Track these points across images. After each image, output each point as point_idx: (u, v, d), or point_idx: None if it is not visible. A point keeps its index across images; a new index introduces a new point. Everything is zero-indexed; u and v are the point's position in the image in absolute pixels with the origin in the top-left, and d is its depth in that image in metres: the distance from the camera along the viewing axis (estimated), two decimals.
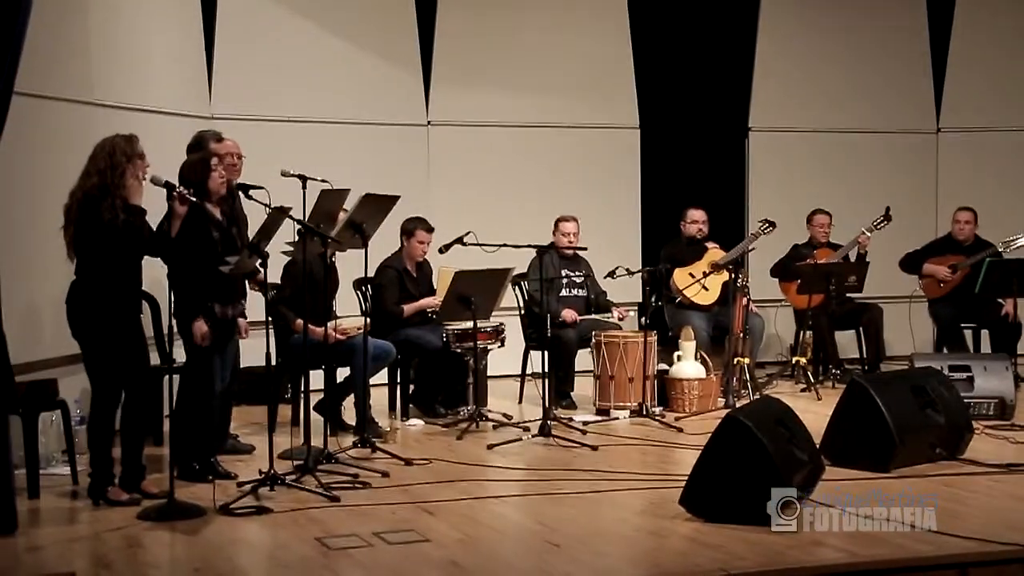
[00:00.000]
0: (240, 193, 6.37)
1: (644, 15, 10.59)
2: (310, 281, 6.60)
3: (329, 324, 7.19)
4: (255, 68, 9.32)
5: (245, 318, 6.43)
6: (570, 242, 8.75)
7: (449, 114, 10.09)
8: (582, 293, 8.85)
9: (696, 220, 9.28)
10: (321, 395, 7.53)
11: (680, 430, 7.55)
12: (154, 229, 5.74)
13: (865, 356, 9.52)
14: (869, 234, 9.31)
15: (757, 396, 8.25)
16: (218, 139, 6.97)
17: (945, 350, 9.33)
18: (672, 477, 5.95)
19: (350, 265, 7.52)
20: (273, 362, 7.22)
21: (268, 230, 6.13)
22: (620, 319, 8.74)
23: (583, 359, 8.70)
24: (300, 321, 6.85)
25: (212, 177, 6.09)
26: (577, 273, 8.82)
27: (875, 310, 9.50)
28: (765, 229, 9.03)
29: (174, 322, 5.86)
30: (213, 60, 9.17)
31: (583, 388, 8.72)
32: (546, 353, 7.77)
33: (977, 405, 7.55)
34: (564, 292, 8.76)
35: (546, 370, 7.61)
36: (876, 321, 9.46)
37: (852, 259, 9.41)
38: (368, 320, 7.42)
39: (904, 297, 9.93)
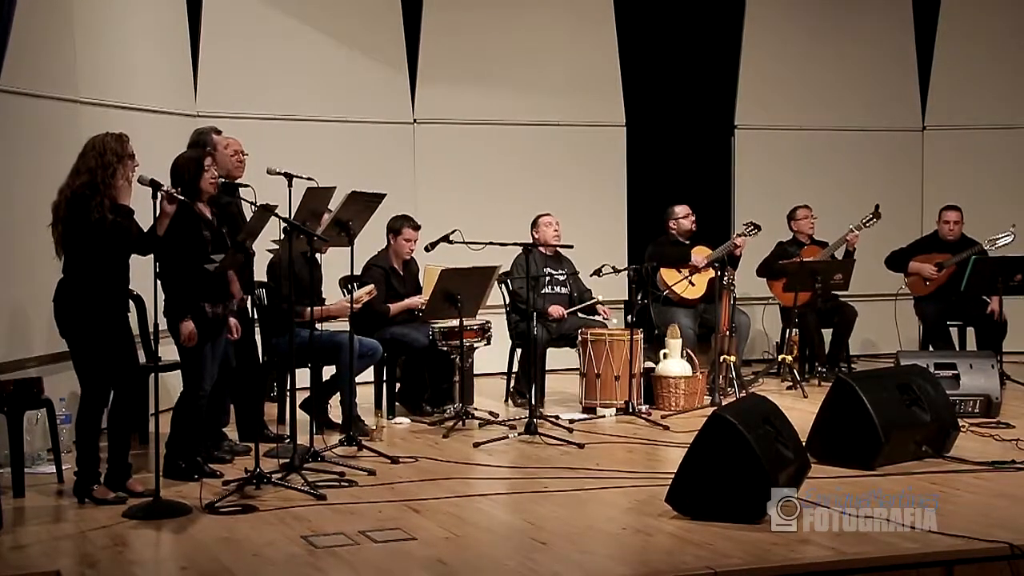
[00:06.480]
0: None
1: (630, 13, 10.58)
2: (295, 279, 6.60)
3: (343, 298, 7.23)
4: (240, 66, 9.27)
5: (236, 317, 6.37)
6: (555, 231, 8.71)
7: (435, 112, 10.06)
8: (565, 291, 8.83)
9: (688, 215, 9.30)
10: (307, 393, 7.52)
11: (666, 428, 7.56)
12: (143, 229, 5.69)
13: (829, 351, 9.56)
14: (858, 232, 9.32)
15: (743, 394, 8.26)
16: (216, 132, 6.96)
17: (931, 348, 9.34)
18: (658, 475, 5.95)
19: (336, 263, 7.51)
20: (260, 360, 7.33)
21: (253, 228, 6.11)
22: (605, 318, 8.74)
23: (568, 357, 8.70)
24: (307, 309, 6.86)
25: (204, 177, 6.05)
26: (560, 271, 8.82)
27: (849, 312, 9.51)
28: (750, 231, 9.08)
29: (162, 321, 5.84)
30: (198, 57, 9.12)
31: (569, 386, 8.72)
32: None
33: (963, 403, 7.58)
34: (547, 290, 8.75)
35: (529, 368, 7.60)
36: (848, 322, 9.50)
37: (840, 257, 9.41)
38: (361, 304, 7.43)
39: (890, 295, 9.94)
